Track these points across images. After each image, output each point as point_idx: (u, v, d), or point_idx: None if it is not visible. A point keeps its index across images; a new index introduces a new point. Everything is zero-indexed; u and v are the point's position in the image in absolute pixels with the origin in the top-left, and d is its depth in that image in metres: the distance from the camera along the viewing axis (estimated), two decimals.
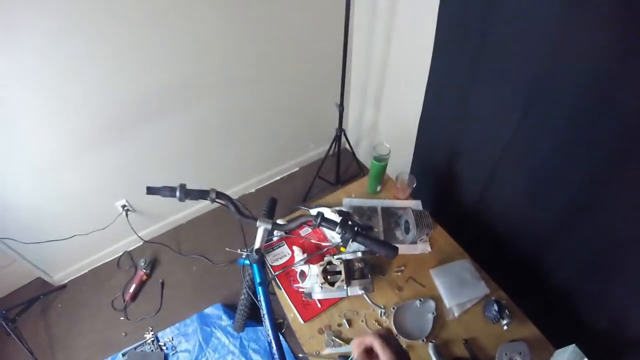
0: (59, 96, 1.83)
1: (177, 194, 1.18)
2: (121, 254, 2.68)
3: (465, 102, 1.73)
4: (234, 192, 2.95)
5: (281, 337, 2.09)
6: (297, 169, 3.24)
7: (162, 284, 2.52)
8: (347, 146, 2.89)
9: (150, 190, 1.19)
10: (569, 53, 1.24)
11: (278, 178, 3.17)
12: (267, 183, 3.13)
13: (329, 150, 2.73)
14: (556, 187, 1.50)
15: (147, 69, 1.98)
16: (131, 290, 2.43)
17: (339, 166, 2.87)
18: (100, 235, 2.43)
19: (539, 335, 1.37)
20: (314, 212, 1.21)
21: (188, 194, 1.19)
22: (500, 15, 1.42)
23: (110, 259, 2.67)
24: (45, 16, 1.59)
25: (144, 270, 2.51)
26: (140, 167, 2.30)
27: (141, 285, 2.49)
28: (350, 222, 1.12)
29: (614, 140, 1.21)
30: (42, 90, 1.77)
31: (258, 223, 1.21)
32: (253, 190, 3.06)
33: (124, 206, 2.43)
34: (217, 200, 1.22)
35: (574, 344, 1.22)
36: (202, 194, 1.20)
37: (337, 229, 1.11)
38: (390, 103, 2.65)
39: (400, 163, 2.25)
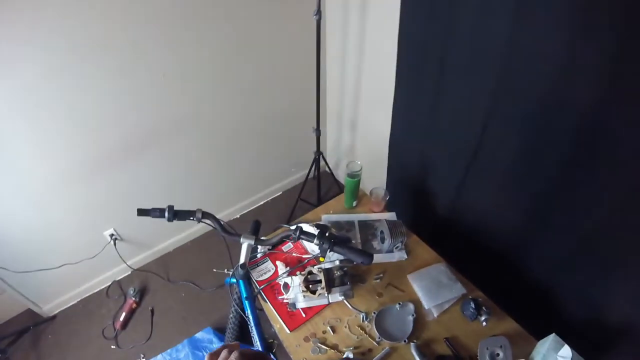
0: (53, 130, 1.93)
1: (166, 214, 1.26)
2: (110, 283, 2.72)
3: (428, 121, 1.87)
4: (219, 217, 3.01)
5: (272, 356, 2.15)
6: (280, 193, 3.34)
7: (152, 311, 2.55)
8: (327, 168, 3.01)
9: (141, 212, 1.26)
10: (521, 68, 1.38)
11: (262, 203, 3.26)
12: (252, 208, 3.21)
13: (308, 173, 2.84)
14: (522, 191, 1.61)
15: (135, 106, 2.10)
16: (121, 318, 2.46)
17: (320, 188, 2.98)
18: (89, 265, 2.47)
19: (519, 328, 1.43)
20: (294, 227, 1.30)
21: (176, 214, 1.27)
22: (456, 41, 1.56)
23: (99, 289, 2.70)
24: (44, 52, 1.71)
25: (134, 299, 2.54)
26: (127, 198, 2.37)
27: (131, 313, 2.52)
28: (327, 234, 1.22)
29: (571, 144, 1.34)
30: (36, 124, 1.87)
31: (242, 239, 1.30)
32: (238, 216, 3.14)
33: (112, 235, 2.49)
34: (203, 220, 1.31)
35: (553, 334, 1.28)
36: (189, 214, 1.29)
37: (315, 240, 1.21)
38: (364, 125, 2.79)
39: (377, 179, 2.38)
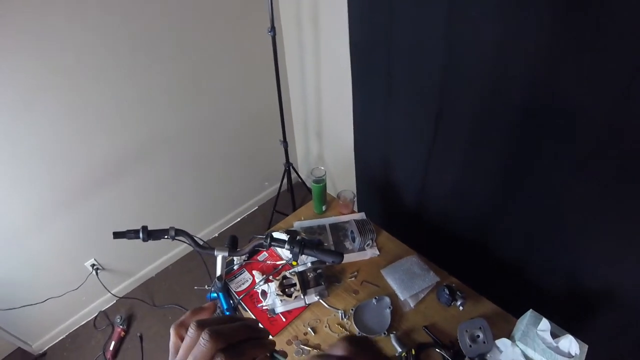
0: (24, 167, 1.95)
1: (141, 234, 1.29)
2: (96, 314, 2.70)
3: (386, 122, 1.97)
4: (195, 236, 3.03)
5: None
6: (256, 207, 3.39)
7: (141, 337, 2.55)
8: (299, 178, 3.08)
9: (117, 235, 1.30)
10: (463, 57, 1.48)
11: (239, 219, 3.30)
12: (229, 225, 3.25)
13: (280, 185, 2.89)
14: (479, 175, 1.70)
15: (103, 136, 2.14)
16: (111, 348, 2.45)
17: (294, 198, 3.03)
18: (74, 297, 2.47)
19: (497, 309, 1.48)
20: (264, 236, 1.35)
21: (150, 234, 1.30)
22: (400, 42, 1.66)
23: (86, 321, 2.69)
24: (9, 88, 1.75)
25: (121, 327, 2.54)
26: (104, 226, 2.37)
27: (120, 341, 2.52)
28: (297, 238, 1.28)
29: (520, 121, 1.43)
30: (7, 162, 1.89)
31: (216, 252, 1.34)
32: (216, 235, 3.17)
33: (93, 265, 2.49)
34: (176, 237, 1.35)
35: (531, 309, 1.35)
36: (163, 233, 1.32)
37: (286, 245, 1.26)
38: (329, 133, 2.88)
39: (348, 183, 2.45)
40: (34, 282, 2.31)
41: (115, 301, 2.77)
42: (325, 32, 2.33)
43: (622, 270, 1.46)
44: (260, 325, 0.55)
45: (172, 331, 0.46)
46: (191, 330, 0.43)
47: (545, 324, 1.29)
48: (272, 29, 2.13)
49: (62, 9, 1.76)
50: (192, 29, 2.25)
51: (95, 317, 2.70)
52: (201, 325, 0.43)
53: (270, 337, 0.48)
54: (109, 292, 2.66)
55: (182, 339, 0.44)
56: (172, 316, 2.66)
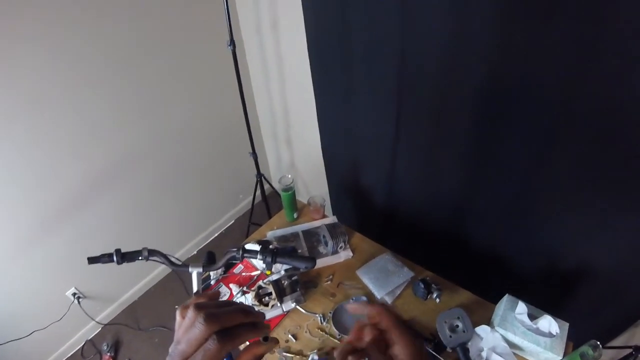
0: None
1: (114, 258, 1.30)
2: (83, 343, 2.65)
3: (349, 124, 2.01)
4: (177, 257, 3.02)
5: None
6: (232, 221, 3.39)
7: None
8: (272, 188, 3.09)
9: (91, 260, 1.30)
10: (417, 50, 1.53)
11: (216, 235, 3.29)
12: (207, 242, 3.24)
13: (254, 197, 2.90)
14: (445, 166, 1.76)
15: (76, 158, 2.13)
16: None
17: (269, 208, 3.04)
18: (59, 328, 2.42)
19: (474, 297, 1.53)
20: (236, 248, 1.36)
21: (124, 256, 1.31)
22: (356, 44, 1.71)
23: (74, 351, 2.64)
24: None
25: (109, 354, 2.51)
26: (81, 253, 2.26)
27: None
28: (268, 247, 1.30)
29: (479, 107, 1.49)
30: None
31: (190, 268, 1.34)
32: (195, 252, 3.16)
33: (74, 294, 2.45)
34: (150, 257, 1.35)
35: (507, 294, 1.39)
36: (136, 254, 1.32)
37: (258, 255, 1.28)
38: (298, 141, 2.92)
39: (319, 188, 2.48)
40: (17, 316, 2.26)
41: (100, 328, 2.73)
42: (285, 40, 2.36)
43: (596, 247, 1.52)
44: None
45: (177, 313, 0.49)
46: (190, 313, 0.46)
47: (522, 307, 1.34)
48: (232, 42, 2.14)
49: (30, 32, 1.75)
50: (155, 49, 2.25)
51: (83, 346, 2.65)
52: (199, 308, 0.46)
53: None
54: (93, 320, 2.63)
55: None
56: (158, 338, 2.64)
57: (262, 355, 0.50)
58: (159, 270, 2.93)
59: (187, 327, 0.45)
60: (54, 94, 1.93)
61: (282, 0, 2.20)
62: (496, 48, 1.33)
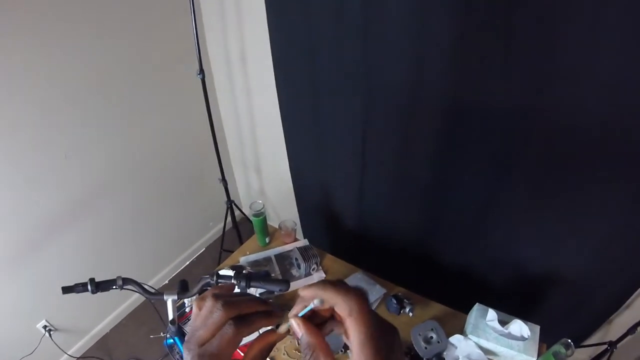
0: None
1: (89, 287, 1.30)
2: None
3: (317, 149, 2.07)
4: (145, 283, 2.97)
5: None
6: (203, 249, 3.37)
7: None
8: (243, 215, 3.11)
9: (66, 290, 1.30)
10: (381, 89, 1.62)
11: (188, 263, 3.27)
12: (179, 270, 3.21)
13: (225, 223, 2.91)
14: (411, 184, 1.85)
15: (42, 189, 2.09)
16: None
17: (240, 235, 3.05)
18: None
19: (446, 309, 1.58)
20: (210, 274, 1.39)
21: (98, 285, 1.31)
22: (321, 68, 1.79)
23: None
24: None
25: None
26: (50, 285, 2.25)
27: None
28: (242, 272, 1.33)
29: (440, 127, 1.58)
30: None
31: (165, 296, 1.36)
32: (167, 282, 3.12)
33: (45, 327, 2.37)
34: (124, 286, 1.36)
35: (477, 303, 1.45)
36: (110, 283, 1.33)
37: (233, 280, 1.31)
38: (267, 166, 2.97)
39: (290, 212, 2.53)
40: None
41: None
42: (253, 72, 2.43)
43: (561, 254, 1.61)
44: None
45: (194, 305, 0.51)
46: (208, 301, 0.48)
47: (492, 314, 1.40)
48: (201, 71, 2.18)
49: None
50: (125, 74, 2.27)
51: None
52: (217, 297, 0.48)
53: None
54: (66, 353, 2.54)
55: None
56: None
57: (274, 343, 0.52)
58: (131, 300, 2.88)
59: (206, 315, 0.47)
60: (15, 123, 1.90)
61: (249, 30, 2.27)
62: (455, 74, 1.44)
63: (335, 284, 0.46)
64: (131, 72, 2.30)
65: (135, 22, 2.24)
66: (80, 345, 2.67)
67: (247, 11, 2.20)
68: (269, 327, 0.51)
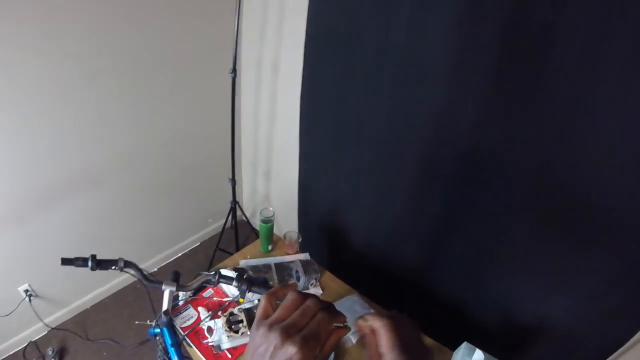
0: None
1: (89, 263, 1.29)
2: (26, 344, 2.52)
3: (332, 167, 2.10)
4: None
5: None
6: (198, 244, 3.36)
7: None
8: (244, 217, 3.12)
9: (65, 261, 1.27)
10: (405, 128, 1.65)
11: (180, 255, 3.26)
12: (170, 260, 3.20)
13: (225, 223, 2.92)
14: (421, 217, 1.86)
15: (48, 155, 2.10)
16: None
17: (238, 237, 3.06)
18: (4, 323, 2.32)
19: (433, 342, 1.58)
20: (213, 272, 1.39)
21: (99, 263, 1.30)
22: (350, 115, 1.83)
23: (15, 350, 2.51)
24: None
25: None
26: (41, 250, 2.29)
27: None
28: (244, 276, 1.34)
29: (456, 168, 1.61)
30: None
31: (163, 286, 1.36)
32: (156, 269, 3.10)
33: (26, 291, 2.35)
34: (125, 269, 1.35)
35: (465, 342, 1.44)
36: (111, 263, 1.32)
37: (234, 282, 1.31)
38: (277, 174, 2.98)
39: (291, 224, 2.54)
40: None
41: (47, 331, 2.61)
42: (283, 78, 2.46)
43: (550, 303, 1.61)
44: None
45: (264, 298, 0.53)
46: (293, 294, 0.51)
47: (479, 354, 1.38)
48: (234, 70, 2.22)
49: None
50: (157, 61, 2.30)
51: (25, 347, 2.52)
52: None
53: None
54: (42, 321, 2.53)
55: (272, 306, 0.52)
56: (106, 352, 2.54)
57: (341, 338, 0.53)
58: (117, 281, 2.86)
59: (289, 306, 0.49)
60: (46, 89, 1.94)
61: (286, 42, 2.32)
62: (477, 124, 1.47)
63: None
64: (165, 56, 2.34)
65: (182, 15, 2.31)
66: (57, 316, 2.66)
67: (287, 24, 2.25)
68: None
